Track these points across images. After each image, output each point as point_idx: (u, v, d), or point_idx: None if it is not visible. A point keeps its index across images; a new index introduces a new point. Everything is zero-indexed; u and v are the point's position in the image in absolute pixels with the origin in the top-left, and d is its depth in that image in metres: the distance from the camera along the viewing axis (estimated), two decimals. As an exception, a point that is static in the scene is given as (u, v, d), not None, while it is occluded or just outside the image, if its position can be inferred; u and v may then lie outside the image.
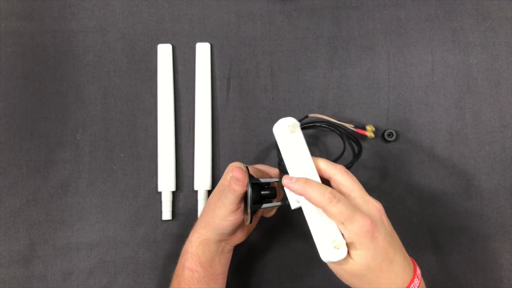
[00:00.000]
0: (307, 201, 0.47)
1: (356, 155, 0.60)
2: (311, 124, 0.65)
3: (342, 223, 0.45)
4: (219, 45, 0.70)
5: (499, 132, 0.68)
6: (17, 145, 0.68)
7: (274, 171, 0.59)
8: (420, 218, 0.67)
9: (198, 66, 0.69)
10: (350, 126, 0.63)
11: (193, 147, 0.68)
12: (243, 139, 0.68)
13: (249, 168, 0.54)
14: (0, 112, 0.68)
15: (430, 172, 0.67)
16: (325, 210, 0.46)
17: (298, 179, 0.47)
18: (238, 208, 0.54)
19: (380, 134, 0.68)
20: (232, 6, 0.70)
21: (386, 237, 0.46)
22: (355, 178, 0.49)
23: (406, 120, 0.68)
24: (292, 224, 0.67)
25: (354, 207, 0.46)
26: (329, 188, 0.46)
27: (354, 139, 0.63)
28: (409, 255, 0.49)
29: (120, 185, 0.67)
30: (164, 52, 0.69)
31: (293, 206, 0.50)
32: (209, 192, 0.67)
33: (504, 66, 0.69)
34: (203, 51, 0.69)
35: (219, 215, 0.54)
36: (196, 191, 0.67)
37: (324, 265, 0.66)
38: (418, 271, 0.48)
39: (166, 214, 0.66)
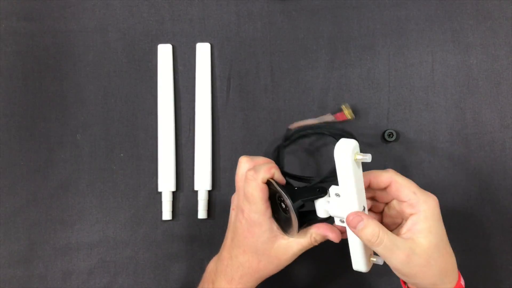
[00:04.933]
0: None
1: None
2: (297, 136, 0.65)
3: (414, 192, 0.47)
4: (219, 45, 0.70)
5: (499, 132, 0.68)
6: (17, 145, 0.68)
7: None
8: (420, 218, 0.67)
9: (198, 66, 0.69)
10: (329, 118, 0.63)
11: (193, 147, 0.68)
12: (243, 139, 0.68)
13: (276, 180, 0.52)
14: (0, 112, 0.68)
15: (430, 172, 0.67)
16: (394, 183, 0.48)
17: (365, 226, 0.45)
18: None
19: (380, 134, 0.68)
20: (232, 6, 0.70)
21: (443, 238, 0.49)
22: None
23: (406, 120, 0.68)
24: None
25: (392, 245, 0.45)
26: (380, 233, 0.45)
27: (347, 133, 0.61)
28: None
29: (120, 185, 0.67)
30: (164, 52, 0.69)
31: (322, 215, 0.50)
32: (209, 193, 0.67)
33: (504, 66, 0.69)
34: (203, 51, 0.69)
35: (283, 263, 0.52)
36: (196, 191, 0.67)
37: (323, 265, 0.66)
38: (462, 281, 0.50)
39: (166, 214, 0.66)
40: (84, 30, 0.70)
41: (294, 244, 0.50)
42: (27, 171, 0.67)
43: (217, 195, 0.67)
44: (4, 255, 0.66)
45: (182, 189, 0.68)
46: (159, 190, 0.67)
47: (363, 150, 0.44)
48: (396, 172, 0.49)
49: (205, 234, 0.67)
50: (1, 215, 0.67)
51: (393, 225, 0.51)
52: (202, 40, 0.70)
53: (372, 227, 0.45)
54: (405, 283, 0.51)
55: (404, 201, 0.48)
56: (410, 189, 0.47)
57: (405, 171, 0.67)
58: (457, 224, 0.66)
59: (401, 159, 0.67)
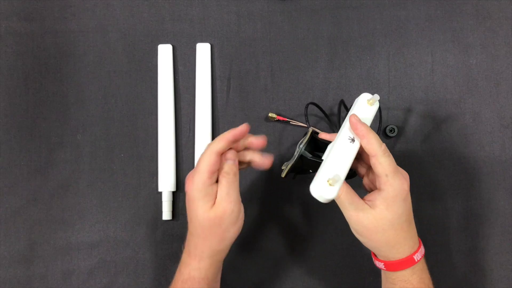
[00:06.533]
0: (342, 142, 0.51)
1: None
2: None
3: (386, 175, 0.49)
4: (219, 45, 0.70)
5: (499, 132, 0.68)
6: (17, 145, 0.68)
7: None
8: (420, 218, 0.66)
9: (198, 66, 0.69)
10: None
11: (193, 147, 0.68)
12: (243, 139, 0.68)
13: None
14: (0, 112, 0.68)
15: (430, 172, 0.67)
16: (376, 158, 0.50)
17: (363, 123, 0.51)
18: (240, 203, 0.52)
19: (382, 130, 0.68)
20: (232, 6, 0.70)
21: (411, 200, 0.51)
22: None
23: (405, 120, 0.68)
24: (280, 217, 0.67)
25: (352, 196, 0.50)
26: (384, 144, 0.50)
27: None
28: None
29: (120, 185, 0.67)
30: (165, 52, 0.69)
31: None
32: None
33: (504, 66, 0.69)
34: (203, 52, 0.69)
35: (234, 232, 0.52)
36: (196, 191, 0.67)
37: (320, 262, 0.66)
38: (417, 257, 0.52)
39: (166, 214, 0.66)
40: (84, 30, 0.70)
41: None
42: (27, 171, 0.67)
43: (217, 195, 0.67)
44: (4, 255, 0.66)
45: (182, 189, 0.68)
46: (159, 190, 0.67)
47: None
48: (385, 150, 0.50)
49: (205, 234, 0.67)
50: (1, 215, 0.67)
51: (372, 186, 0.55)
52: (202, 40, 0.70)
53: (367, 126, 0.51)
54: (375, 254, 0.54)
55: (377, 176, 0.51)
56: (385, 171, 0.49)
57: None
58: (457, 224, 0.67)
59: (400, 159, 0.67)
